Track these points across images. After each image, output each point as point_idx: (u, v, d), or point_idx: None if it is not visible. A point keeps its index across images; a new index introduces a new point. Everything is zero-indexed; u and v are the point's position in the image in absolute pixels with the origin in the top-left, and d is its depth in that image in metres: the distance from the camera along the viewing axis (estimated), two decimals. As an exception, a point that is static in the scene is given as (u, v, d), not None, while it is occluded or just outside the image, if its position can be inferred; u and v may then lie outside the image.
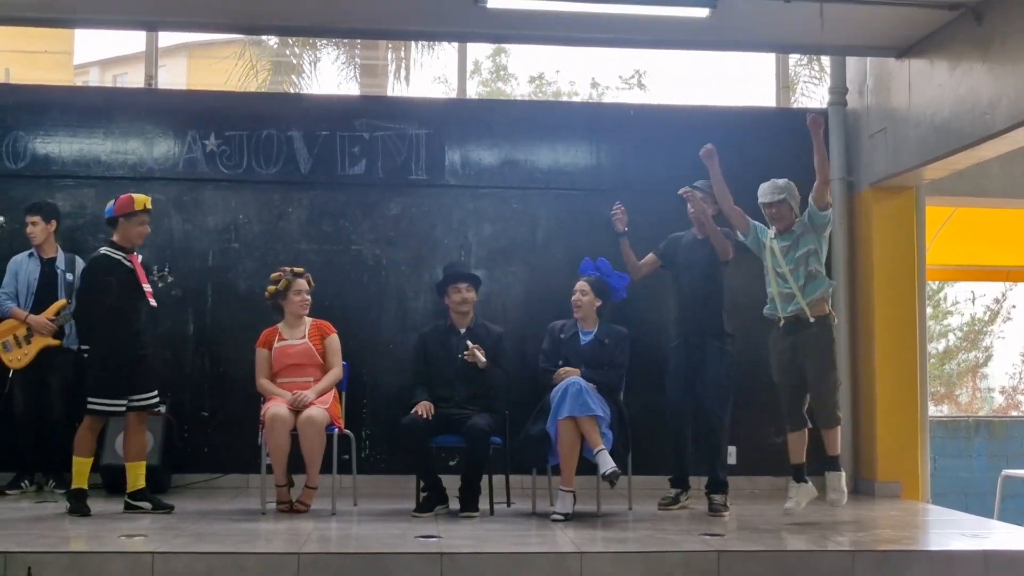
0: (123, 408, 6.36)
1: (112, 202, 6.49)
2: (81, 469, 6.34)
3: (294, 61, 14.28)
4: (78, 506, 6.25)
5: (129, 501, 6.44)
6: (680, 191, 6.95)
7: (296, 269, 6.95)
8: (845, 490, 6.44)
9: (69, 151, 8.00)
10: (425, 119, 8.24)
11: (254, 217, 8.06)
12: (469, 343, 6.66)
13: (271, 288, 6.88)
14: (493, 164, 8.26)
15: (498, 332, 6.91)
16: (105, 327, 6.34)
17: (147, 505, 6.43)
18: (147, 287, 6.48)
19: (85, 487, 6.33)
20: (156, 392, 6.56)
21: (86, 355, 6.38)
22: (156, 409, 6.75)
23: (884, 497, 7.72)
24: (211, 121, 8.06)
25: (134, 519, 6.15)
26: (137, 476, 6.47)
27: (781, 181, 6.51)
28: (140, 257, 6.59)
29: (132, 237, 6.47)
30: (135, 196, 6.45)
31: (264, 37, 13.93)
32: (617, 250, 7.17)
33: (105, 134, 8.03)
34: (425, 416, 6.41)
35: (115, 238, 6.47)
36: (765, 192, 6.51)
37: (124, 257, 6.43)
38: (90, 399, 6.29)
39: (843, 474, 6.46)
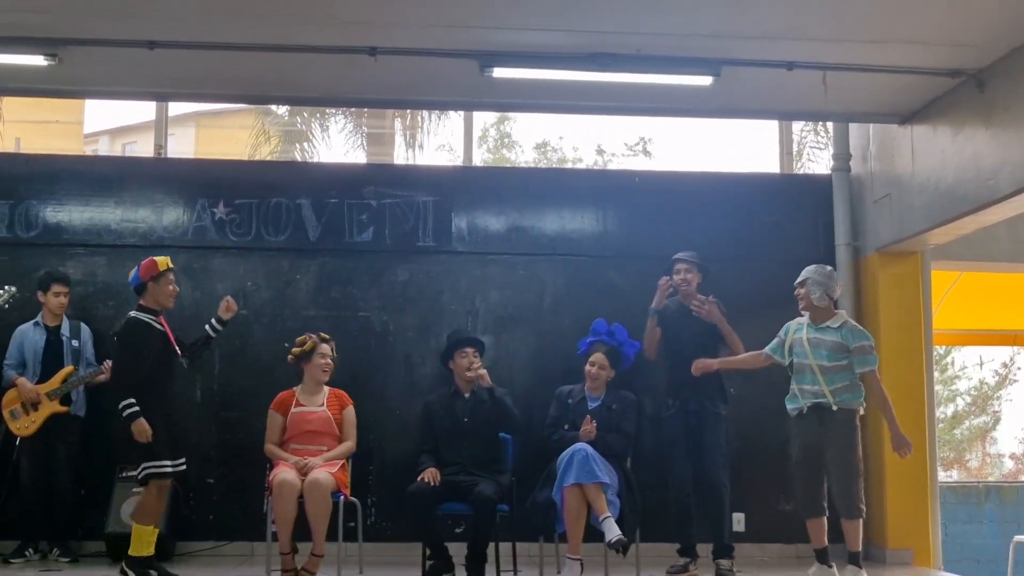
0: (168, 468, 6.31)
1: (135, 270, 6.50)
2: (140, 537, 6.30)
3: (303, 128, 14.44)
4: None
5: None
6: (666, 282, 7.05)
7: (323, 335, 7.00)
8: None
9: (80, 220, 8.06)
10: (432, 187, 8.31)
11: (263, 284, 8.10)
12: (478, 369, 6.73)
13: (296, 350, 6.93)
14: (500, 231, 8.31)
15: (500, 392, 6.92)
16: (143, 393, 6.29)
17: (153, 574, 6.38)
18: (178, 348, 6.52)
19: (145, 554, 6.28)
20: (183, 459, 6.54)
21: (132, 410, 6.19)
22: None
23: (895, 565, 7.63)
24: (220, 189, 8.13)
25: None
26: (148, 543, 6.43)
27: (813, 267, 6.49)
28: (163, 318, 6.61)
29: (162, 299, 6.48)
30: (157, 259, 6.50)
31: (274, 106, 14.14)
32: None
33: (116, 203, 8.10)
34: (431, 483, 6.39)
35: (143, 303, 6.47)
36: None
37: (154, 319, 6.45)
38: (145, 465, 6.23)
39: (863, 572, 6.23)
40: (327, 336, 7.01)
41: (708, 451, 6.79)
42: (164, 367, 6.44)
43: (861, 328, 6.51)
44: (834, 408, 6.21)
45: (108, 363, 6.99)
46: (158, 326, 6.44)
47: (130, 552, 6.27)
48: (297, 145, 14.54)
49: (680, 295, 7.08)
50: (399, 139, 14.38)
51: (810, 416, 6.30)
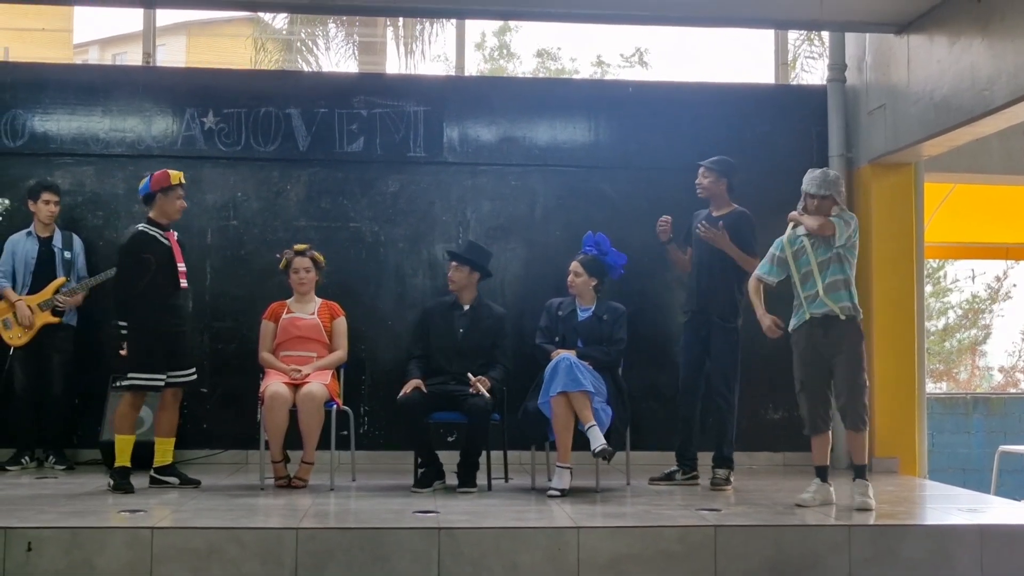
0: (162, 383, 6.37)
1: (147, 179, 6.48)
2: (124, 447, 6.34)
3: (304, 38, 14.25)
4: (122, 483, 6.25)
5: (155, 476, 6.50)
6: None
7: (298, 247, 6.99)
8: (872, 502, 5.91)
9: (68, 129, 7.98)
10: (423, 96, 8.22)
11: (252, 194, 8.06)
12: (470, 376, 6.53)
13: (281, 266, 6.99)
14: (491, 141, 8.25)
15: (500, 313, 6.92)
16: (143, 303, 6.33)
17: (175, 480, 6.50)
18: (182, 267, 6.50)
19: (128, 464, 6.32)
20: (194, 369, 6.60)
21: (123, 331, 6.31)
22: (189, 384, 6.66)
23: (881, 472, 7.73)
24: (209, 99, 8.04)
25: (135, 494, 6.16)
26: (165, 451, 6.55)
27: (832, 174, 6.19)
28: (176, 235, 6.59)
29: (170, 212, 6.48)
30: (170, 172, 6.45)
31: (267, 17, 13.95)
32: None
33: (103, 112, 8.01)
34: (410, 392, 6.43)
35: (152, 215, 6.46)
36: (813, 182, 6.11)
37: (161, 234, 6.44)
38: (130, 375, 6.31)
39: (870, 485, 6.02)
40: (302, 248, 6.99)
41: (715, 363, 6.80)
42: (167, 281, 6.42)
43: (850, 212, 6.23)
44: (842, 317, 6.00)
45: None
46: (164, 241, 6.43)
47: (115, 463, 6.38)
48: (299, 56, 14.37)
49: (712, 206, 6.95)
50: (393, 49, 14.21)
51: (815, 327, 6.06)
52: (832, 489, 6.15)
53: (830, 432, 6.20)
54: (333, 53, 14.21)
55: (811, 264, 6.10)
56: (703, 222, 6.82)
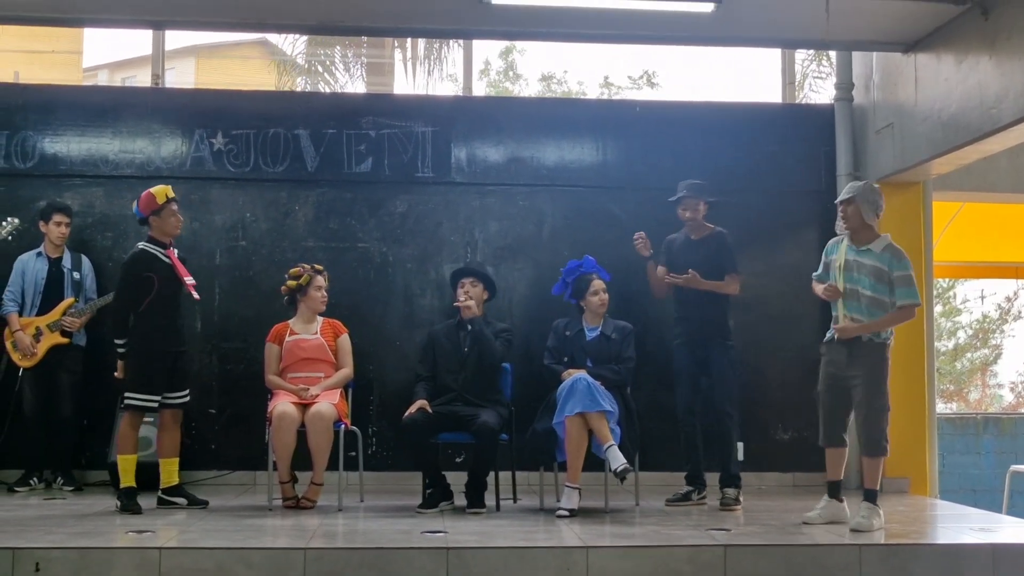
0: (156, 404, 6.36)
1: (135, 203, 6.48)
2: (127, 467, 6.31)
3: (326, 60, 14.30)
4: (129, 504, 6.23)
5: (163, 497, 6.49)
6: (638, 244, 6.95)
7: (317, 267, 6.99)
8: (873, 526, 5.78)
9: (77, 151, 8.02)
10: (431, 117, 8.24)
11: (261, 215, 8.08)
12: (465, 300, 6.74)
13: (291, 283, 6.90)
14: (499, 161, 8.26)
15: (502, 326, 6.97)
16: (145, 323, 6.34)
17: (182, 501, 6.49)
18: (189, 280, 6.49)
19: (134, 484, 6.30)
20: (187, 391, 6.58)
21: (120, 350, 6.33)
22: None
23: (892, 492, 7.69)
24: (218, 120, 8.07)
25: (143, 515, 6.15)
26: (171, 472, 6.53)
27: (861, 182, 6.17)
28: (177, 251, 6.59)
29: (169, 229, 6.47)
30: (154, 191, 6.43)
31: (277, 40, 14.00)
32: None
33: (113, 133, 8.05)
34: (415, 411, 6.41)
35: (152, 234, 6.46)
36: (841, 192, 6.10)
37: (162, 252, 6.44)
38: (127, 394, 6.30)
39: (879, 510, 5.89)
40: (321, 267, 7.01)
41: (715, 381, 6.80)
42: (168, 300, 6.42)
43: (904, 253, 6.03)
44: (863, 339, 5.93)
45: None
46: (164, 259, 6.43)
47: (120, 484, 6.35)
48: (320, 79, 14.42)
49: (688, 229, 7.00)
50: (401, 69, 14.25)
51: (838, 345, 6.00)
52: (844, 505, 6.10)
53: (846, 449, 6.14)
54: (349, 75, 14.25)
55: (838, 285, 6.01)
56: (671, 275, 6.84)
